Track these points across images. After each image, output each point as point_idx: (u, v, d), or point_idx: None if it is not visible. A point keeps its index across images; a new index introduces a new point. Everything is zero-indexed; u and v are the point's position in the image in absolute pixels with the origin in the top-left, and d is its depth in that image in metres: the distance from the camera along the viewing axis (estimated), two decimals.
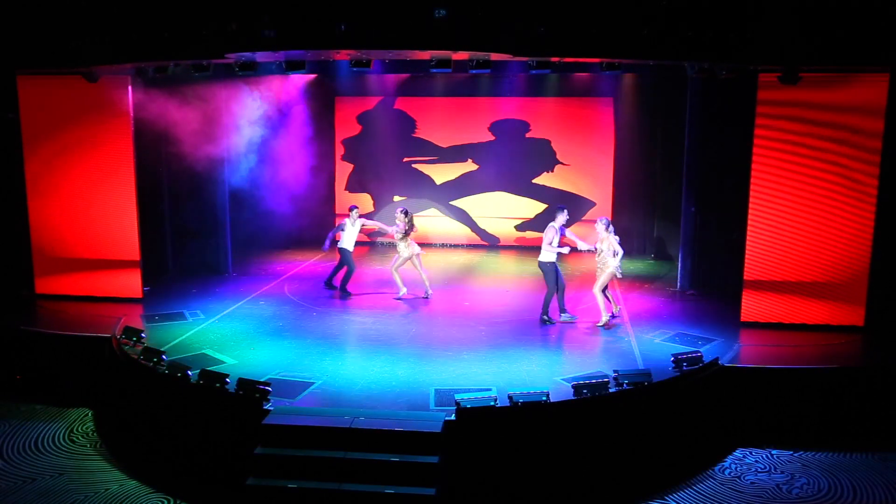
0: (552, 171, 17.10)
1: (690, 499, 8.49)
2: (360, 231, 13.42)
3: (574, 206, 16.93)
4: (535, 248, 12.05)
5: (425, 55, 10.88)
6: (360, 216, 13.44)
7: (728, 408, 9.77)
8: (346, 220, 13.24)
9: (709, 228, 13.23)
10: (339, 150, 17.90)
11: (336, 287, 13.31)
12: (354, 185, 18.03)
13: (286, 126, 16.40)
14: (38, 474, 9.00)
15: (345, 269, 13.24)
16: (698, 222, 13.31)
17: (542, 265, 11.58)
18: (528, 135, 17.12)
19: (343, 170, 17.95)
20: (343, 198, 17.79)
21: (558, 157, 17.04)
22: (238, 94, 14.82)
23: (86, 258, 12.54)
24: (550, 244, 11.43)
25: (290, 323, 11.69)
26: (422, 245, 13.25)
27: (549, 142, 17.05)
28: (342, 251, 13.21)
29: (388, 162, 17.67)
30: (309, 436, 8.06)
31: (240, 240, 15.24)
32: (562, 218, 11.57)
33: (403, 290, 12.89)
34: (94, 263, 12.53)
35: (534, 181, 17.21)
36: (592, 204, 17.03)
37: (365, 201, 17.72)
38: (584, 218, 16.83)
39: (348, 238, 13.19)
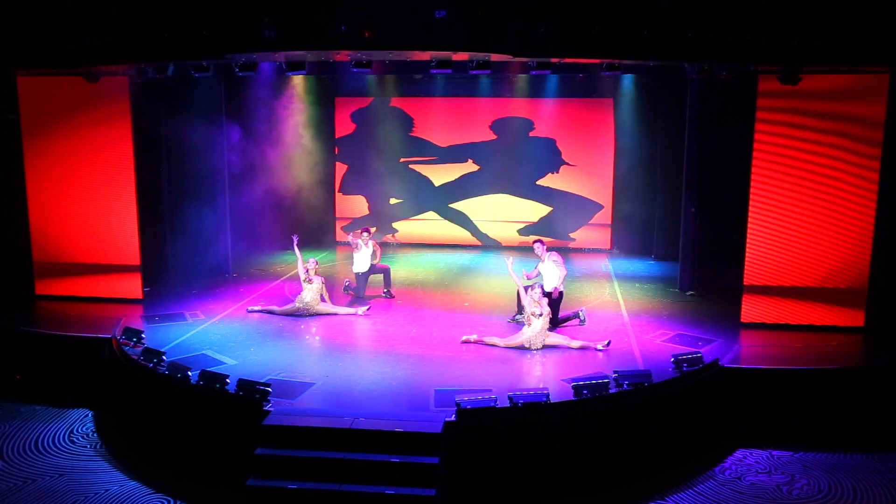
0: (557, 172, 16.84)
1: (690, 499, 8.48)
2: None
3: (579, 209, 16.94)
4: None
5: (425, 56, 10.87)
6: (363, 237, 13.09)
7: (728, 408, 9.76)
8: (359, 240, 12.94)
9: (709, 229, 13.21)
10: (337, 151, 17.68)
11: (392, 295, 13.18)
12: (349, 187, 17.69)
13: (286, 126, 16.39)
14: (39, 475, 8.99)
15: (388, 269, 13.24)
16: (698, 223, 13.29)
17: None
18: (531, 133, 16.83)
19: (339, 171, 17.68)
20: (341, 199, 17.69)
21: (563, 157, 16.76)
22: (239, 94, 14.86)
23: (86, 258, 12.52)
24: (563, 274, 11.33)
25: (290, 324, 11.68)
26: (422, 246, 13.13)
27: (553, 141, 16.76)
28: (357, 275, 13.01)
29: (384, 162, 17.29)
30: (309, 436, 8.05)
31: (240, 240, 15.23)
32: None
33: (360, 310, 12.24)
34: (94, 264, 12.52)
35: (538, 182, 16.96)
36: (600, 207, 16.87)
37: (360, 204, 17.63)
38: (591, 222, 16.76)
39: (361, 261, 12.98)
